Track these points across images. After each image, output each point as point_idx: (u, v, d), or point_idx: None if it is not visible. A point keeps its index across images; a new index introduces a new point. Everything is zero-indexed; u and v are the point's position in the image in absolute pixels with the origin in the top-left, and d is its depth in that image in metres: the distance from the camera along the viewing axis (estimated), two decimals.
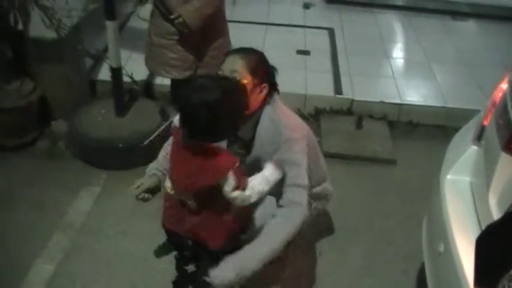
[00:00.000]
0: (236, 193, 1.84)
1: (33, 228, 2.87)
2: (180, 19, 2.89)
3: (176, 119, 1.95)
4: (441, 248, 1.82)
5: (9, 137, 3.38)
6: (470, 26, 5.35)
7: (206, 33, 3.03)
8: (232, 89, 1.83)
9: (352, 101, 3.97)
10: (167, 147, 2.24)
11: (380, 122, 3.93)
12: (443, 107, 3.91)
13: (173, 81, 3.28)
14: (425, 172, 2.86)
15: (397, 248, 2.84)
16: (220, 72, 2.05)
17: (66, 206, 3.02)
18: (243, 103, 1.90)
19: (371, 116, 3.95)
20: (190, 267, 2.16)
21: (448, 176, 2.06)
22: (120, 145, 3.28)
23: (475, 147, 2.11)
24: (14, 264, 2.66)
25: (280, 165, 1.98)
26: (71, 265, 2.67)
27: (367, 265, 2.75)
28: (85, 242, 2.81)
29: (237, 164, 1.84)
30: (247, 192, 1.87)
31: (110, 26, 3.12)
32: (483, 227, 1.62)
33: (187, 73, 3.11)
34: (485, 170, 1.88)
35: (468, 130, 2.22)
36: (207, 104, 1.71)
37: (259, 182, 1.92)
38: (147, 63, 3.26)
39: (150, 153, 3.34)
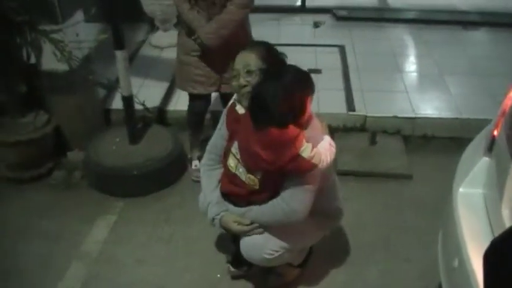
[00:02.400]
0: (315, 150, 2.08)
1: (50, 258, 2.90)
2: (199, 40, 2.99)
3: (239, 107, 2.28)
4: (455, 263, 1.78)
5: (25, 169, 3.43)
6: (481, 35, 5.30)
7: (230, 51, 3.07)
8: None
9: (365, 117, 3.95)
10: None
11: (394, 137, 3.90)
12: (457, 118, 3.87)
13: (191, 95, 3.32)
14: (442, 186, 2.78)
15: (415, 265, 2.79)
16: (234, 71, 2.27)
17: (82, 236, 3.04)
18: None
19: (385, 131, 3.92)
20: None
21: (461, 189, 2.02)
22: (135, 172, 3.31)
23: (487, 159, 2.07)
24: None
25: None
26: None
27: (385, 284, 2.71)
28: (102, 271, 2.82)
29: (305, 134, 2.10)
30: (321, 150, 2.12)
31: (119, 55, 3.17)
32: None
33: (212, 89, 3.20)
34: (497, 181, 1.84)
35: (479, 141, 2.19)
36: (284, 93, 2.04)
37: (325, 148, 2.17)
38: (175, 82, 3.38)
39: (164, 180, 3.42)
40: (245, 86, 2.24)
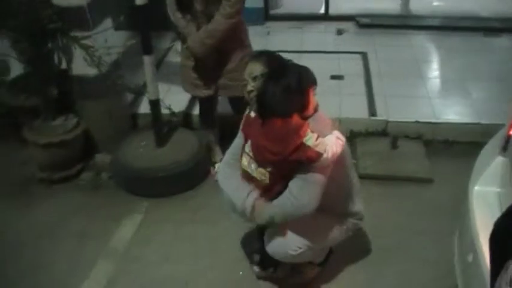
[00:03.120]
0: (319, 140, 2.17)
1: (79, 255, 3.02)
2: (189, 48, 3.19)
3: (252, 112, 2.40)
4: (470, 258, 1.83)
5: (56, 170, 3.57)
6: (502, 42, 5.29)
7: (223, 58, 3.25)
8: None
9: (387, 122, 4.00)
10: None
11: (415, 141, 3.93)
12: (478, 123, 3.88)
13: (199, 98, 3.54)
14: (462, 190, 2.86)
15: (432, 267, 2.82)
16: (244, 79, 2.39)
17: (110, 234, 3.16)
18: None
19: (406, 136, 3.96)
20: None
21: (476, 187, 2.08)
22: (161, 174, 3.41)
23: (502, 158, 2.12)
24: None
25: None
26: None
27: (402, 284, 2.75)
28: (128, 268, 2.93)
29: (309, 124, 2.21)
30: (327, 142, 2.20)
31: (147, 60, 3.30)
32: None
33: (208, 92, 3.36)
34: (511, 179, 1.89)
35: (496, 142, 2.24)
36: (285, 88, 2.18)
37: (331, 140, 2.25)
38: (182, 84, 3.52)
39: (189, 181, 3.52)
40: (252, 91, 2.36)
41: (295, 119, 2.19)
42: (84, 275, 2.87)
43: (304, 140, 2.17)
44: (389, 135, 3.97)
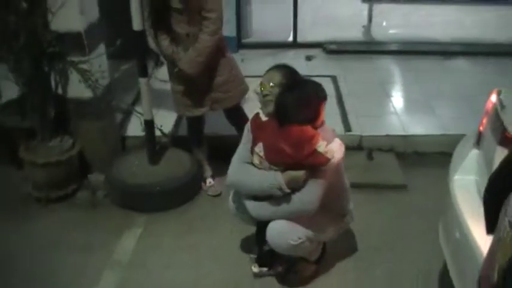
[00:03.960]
0: (328, 147, 2.49)
1: (84, 267, 3.14)
2: (181, 71, 3.39)
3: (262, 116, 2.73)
4: (457, 235, 2.12)
5: (53, 189, 3.69)
6: (461, 64, 5.78)
7: (211, 73, 3.50)
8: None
9: (361, 137, 4.32)
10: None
11: (388, 153, 4.27)
12: (445, 134, 4.25)
13: (188, 118, 3.75)
14: (434, 194, 3.21)
15: (416, 264, 3.08)
16: (261, 85, 2.68)
17: (112, 246, 3.30)
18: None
19: (380, 149, 4.29)
20: None
21: (456, 176, 2.41)
22: (157, 189, 3.60)
23: (476, 150, 2.45)
24: None
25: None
26: None
27: (390, 280, 3.00)
28: (133, 277, 3.07)
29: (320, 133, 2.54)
30: (334, 148, 2.54)
31: (143, 82, 3.53)
32: None
33: (204, 109, 3.60)
34: (486, 167, 2.21)
35: (468, 138, 2.58)
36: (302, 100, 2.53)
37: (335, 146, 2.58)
38: (175, 108, 3.75)
39: (184, 196, 3.72)
40: (267, 95, 2.65)
41: (310, 129, 2.51)
42: (92, 284, 3.00)
43: (317, 146, 2.48)
44: (364, 148, 4.30)
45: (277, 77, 2.67)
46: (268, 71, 2.75)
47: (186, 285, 3.00)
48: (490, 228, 1.36)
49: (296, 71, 2.78)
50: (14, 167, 3.90)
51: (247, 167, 2.74)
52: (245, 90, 3.71)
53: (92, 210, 3.67)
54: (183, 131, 4.38)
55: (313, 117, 2.57)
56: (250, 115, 4.29)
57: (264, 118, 2.71)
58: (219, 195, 3.79)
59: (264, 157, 2.63)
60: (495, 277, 1.12)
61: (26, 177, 3.78)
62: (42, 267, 3.14)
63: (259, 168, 2.66)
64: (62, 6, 3.40)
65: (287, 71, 2.74)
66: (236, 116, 3.75)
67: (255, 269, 2.99)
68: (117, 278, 3.06)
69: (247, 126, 2.83)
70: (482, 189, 2.23)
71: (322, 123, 2.66)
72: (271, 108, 2.67)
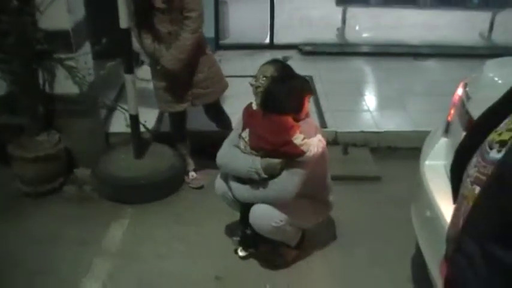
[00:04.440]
0: (304, 141, 2.69)
1: (76, 257, 3.26)
2: (163, 68, 3.55)
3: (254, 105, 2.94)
4: (428, 213, 2.33)
5: (40, 183, 3.79)
6: (430, 65, 6.06)
7: (192, 69, 3.67)
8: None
9: (336, 132, 4.53)
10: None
11: (363, 148, 4.49)
12: (415, 131, 4.47)
13: (171, 115, 3.90)
14: (406, 184, 3.41)
15: (394, 244, 3.32)
16: (255, 78, 2.91)
17: (101, 237, 3.42)
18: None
19: (354, 144, 4.50)
20: None
21: (426, 162, 2.64)
22: (142, 182, 3.74)
23: (445, 139, 2.68)
24: (65, 285, 3.04)
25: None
26: (115, 282, 3.07)
27: (370, 259, 3.23)
28: (124, 264, 3.21)
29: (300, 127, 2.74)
30: (310, 142, 2.73)
31: (129, 78, 3.67)
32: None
33: (185, 105, 3.75)
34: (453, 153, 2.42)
35: (437, 129, 2.81)
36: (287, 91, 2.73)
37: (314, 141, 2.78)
38: (157, 105, 3.88)
39: (168, 188, 3.86)
40: (259, 87, 2.86)
41: (290, 119, 2.70)
42: (85, 272, 3.12)
43: (293, 138, 2.67)
44: (339, 144, 4.51)
45: (269, 70, 2.89)
46: (263, 65, 2.97)
47: (174, 271, 3.14)
48: (456, 198, 1.53)
49: (289, 66, 3.00)
50: (1, 164, 3.97)
51: (234, 151, 2.93)
52: (225, 86, 3.89)
53: (79, 203, 3.78)
54: (165, 127, 4.53)
55: (296, 109, 2.77)
56: (230, 110, 4.51)
57: (255, 107, 2.90)
58: (201, 187, 3.95)
59: (247, 142, 2.81)
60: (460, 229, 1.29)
61: (14, 174, 3.86)
62: (34, 259, 3.23)
63: (244, 153, 2.85)
64: (50, 5, 3.52)
65: (280, 65, 2.96)
66: (215, 111, 3.94)
67: (241, 252, 3.16)
68: (108, 266, 3.19)
69: (240, 114, 3.02)
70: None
71: (307, 115, 2.87)
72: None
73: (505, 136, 1.20)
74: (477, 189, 1.23)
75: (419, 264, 2.97)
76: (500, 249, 1.08)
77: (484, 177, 1.22)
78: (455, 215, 1.37)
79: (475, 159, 1.30)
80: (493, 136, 1.27)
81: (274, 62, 2.99)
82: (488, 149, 1.24)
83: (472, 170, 1.27)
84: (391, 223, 3.52)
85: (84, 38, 3.89)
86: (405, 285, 3.00)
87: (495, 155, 1.20)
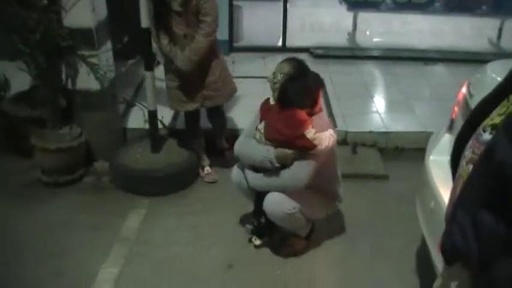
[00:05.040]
0: (316, 135, 2.85)
1: (94, 243, 3.42)
2: (177, 68, 3.73)
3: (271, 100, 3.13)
4: (432, 205, 2.47)
5: (62, 174, 3.97)
6: (440, 69, 6.20)
7: (205, 72, 3.82)
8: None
9: (346, 132, 4.67)
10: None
11: (371, 148, 4.63)
12: (423, 132, 4.60)
13: (185, 113, 4.06)
14: (412, 183, 3.55)
15: (397, 239, 3.46)
16: (272, 75, 3.10)
17: (118, 225, 3.58)
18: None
19: (363, 144, 4.64)
20: None
21: (431, 157, 2.77)
22: (159, 174, 3.91)
23: (448, 135, 2.82)
24: (84, 270, 3.20)
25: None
26: (133, 267, 3.22)
27: (374, 251, 3.37)
28: (140, 250, 3.37)
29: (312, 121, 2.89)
30: (322, 136, 2.88)
31: (149, 75, 3.84)
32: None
33: (196, 105, 3.90)
34: None
35: (442, 127, 2.95)
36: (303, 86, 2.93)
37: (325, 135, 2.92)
38: (168, 103, 4.03)
39: (183, 181, 4.02)
40: (276, 83, 3.05)
41: (303, 114, 2.87)
42: (104, 257, 3.28)
43: (306, 132, 2.84)
44: (348, 143, 4.65)
45: (286, 67, 3.08)
46: (280, 62, 3.16)
47: (188, 258, 3.30)
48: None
49: (304, 63, 3.20)
50: (21, 156, 4.17)
51: (250, 141, 3.10)
52: (233, 90, 4.05)
53: (98, 194, 3.95)
54: (181, 124, 4.70)
55: (311, 103, 2.93)
56: (242, 108, 4.68)
57: (272, 102, 3.09)
58: (215, 182, 4.10)
59: (263, 134, 2.97)
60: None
61: (35, 164, 4.04)
62: (56, 246, 3.39)
63: (259, 143, 3.01)
64: (75, 4, 3.70)
65: (296, 62, 3.15)
66: (217, 115, 4.12)
67: (256, 241, 3.31)
68: (125, 251, 3.35)
69: (258, 109, 3.21)
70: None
71: (320, 109, 3.03)
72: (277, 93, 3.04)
73: (496, 120, 1.35)
74: (471, 167, 1.37)
75: (423, 257, 3.12)
76: (488, 216, 1.22)
77: (477, 157, 1.36)
78: (452, 195, 1.51)
79: (470, 142, 1.45)
80: (486, 121, 1.42)
81: (291, 59, 3.17)
82: (482, 132, 1.39)
83: (468, 152, 1.42)
84: (396, 219, 3.66)
85: (106, 36, 4.07)
86: (409, 276, 3.13)
87: (487, 136, 1.35)
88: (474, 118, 1.49)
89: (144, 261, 3.28)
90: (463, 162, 1.43)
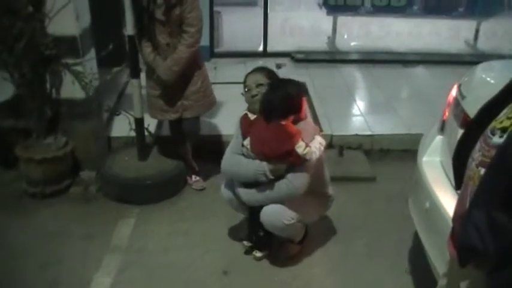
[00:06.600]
0: (307, 149, 2.81)
1: (86, 252, 3.37)
2: (159, 78, 3.69)
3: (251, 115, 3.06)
4: (427, 205, 2.51)
5: (48, 185, 3.90)
6: (419, 71, 6.30)
7: (187, 82, 3.79)
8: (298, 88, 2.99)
9: (332, 136, 4.70)
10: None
11: (357, 150, 4.67)
12: (407, 133, 4.68)
13: (170, 122, 4.02)
14: (399, 183, 3.66)
15: (389, 237, 3.50)
16: (247, 87, 3.04)
17: (109, 234, 3.54)
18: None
19: (349, 147, 4.68)
20: None
21: (424, 158, 2.82)
22: (148, 182, 3.87)
23: (440, 136, 2.87)
24: (77, 279, 3.15)
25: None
26: (126, 276, 3.18)
27: (368, 250, 3.41)
28: (133, 258, 3.33)
29: (302, 133, 2.85)
30: (312, 149, 2.85)
31: (135, 82, 3.81)
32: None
33: (175, 115, 3.85)
34: (449, 148, 2.61)
35: (433, 128, 3.00)
36: (286, 96, 2.85)
37: (315, 146, 2.85)
38: (148, 112, 3.97)
39: (172, 189, 3.99)
40: (256, 95, 3.01)
41: (293, 127, 2.84)
42: (97, 266, 3.23)
43: (296, 147, 2.82)
44: (334, 146, 4.68)
45: (261, 78, 3.03)
46: (250, 74, 3.10)
47: (183, 265, 3.27)
48: (458, 184, 1.70)
49: (273, 71, 3.16)
50: (5, 167, 4.11)
51: (238, 157, 3.07)
52: (213, 101, 4.02)
53: (86, 203, 3.90)
54: (166, 131, 4.67)
55: (296, 110, 2.91)
56: (224, 114, 4.67)
57: (252, 117, 3.05)
58: (203, 189, 4.09)
59: (250, 149, 2.97)
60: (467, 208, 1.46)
61: (20, 175, 3.97)
62: (45, 254, 3.33)
63: (247, 158, 3.00)
64: (59, 11, 3.65)
65: (268, 71, 3.11)
66: (192, 125, 3.98)
67: (257, 254, 3.28)
68: (118, 260, 3.30)
69: (237, 123, 3.15)
70: (447, 168, 2.65)
71: (306, 115, 3.02)
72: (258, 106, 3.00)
73: (506, 123, 1.38)
74: (482, 170, 1.40)
75: (416, 256, 3.17)
76: (503, 215, 1.25)
77: (487, 160, 1.39)
78: (461, 196, 1.53)
79: (478, 145, 1.48)
80: (494, 124, 1.45)
81: (261, 69, 3.13)
82: (491, 135, 1.42)
83: (477, 154, 1.45)
84: (387, 219, 3.70)
85: (90, 44, 4.02)
86: (403, 276, 3.16)
87: (497, 139, 1.38)
88: (480, 120, 1.52)
89: (137, 270, 3.24)
90: (472, 165, 1.46)
